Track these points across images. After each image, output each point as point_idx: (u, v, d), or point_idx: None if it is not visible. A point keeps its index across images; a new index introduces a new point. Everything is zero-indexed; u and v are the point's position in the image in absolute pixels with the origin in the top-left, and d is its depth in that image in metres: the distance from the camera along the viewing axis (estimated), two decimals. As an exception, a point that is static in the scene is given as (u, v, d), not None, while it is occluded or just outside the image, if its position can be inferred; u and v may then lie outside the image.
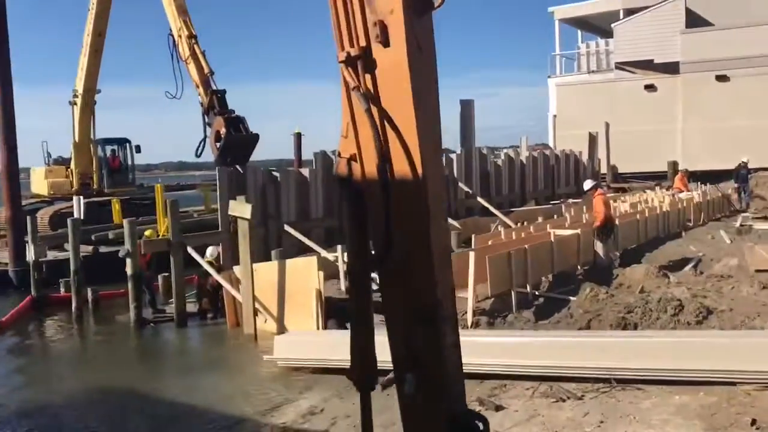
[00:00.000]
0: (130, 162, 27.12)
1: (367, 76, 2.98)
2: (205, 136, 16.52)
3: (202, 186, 30.12)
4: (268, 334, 13.04)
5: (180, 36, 17.01)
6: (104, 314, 16.23)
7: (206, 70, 16.61)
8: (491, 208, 21.50)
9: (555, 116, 37.47)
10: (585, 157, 31.38)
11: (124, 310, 16.84)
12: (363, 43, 2.94)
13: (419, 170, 3.00)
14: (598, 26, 41.53)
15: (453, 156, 22.66)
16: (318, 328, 12.24)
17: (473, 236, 14.84)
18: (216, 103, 16.15)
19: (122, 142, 27.18)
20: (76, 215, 19.00)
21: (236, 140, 15.78)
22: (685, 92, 32.39)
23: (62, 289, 17.57)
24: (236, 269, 14.22)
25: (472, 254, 11.73)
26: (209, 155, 16.52)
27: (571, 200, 25.05)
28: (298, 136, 42.66)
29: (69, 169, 26.58)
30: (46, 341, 14.70)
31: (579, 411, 7.05)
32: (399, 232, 3.02)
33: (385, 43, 2.90)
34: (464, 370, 3.31)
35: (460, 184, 22.27)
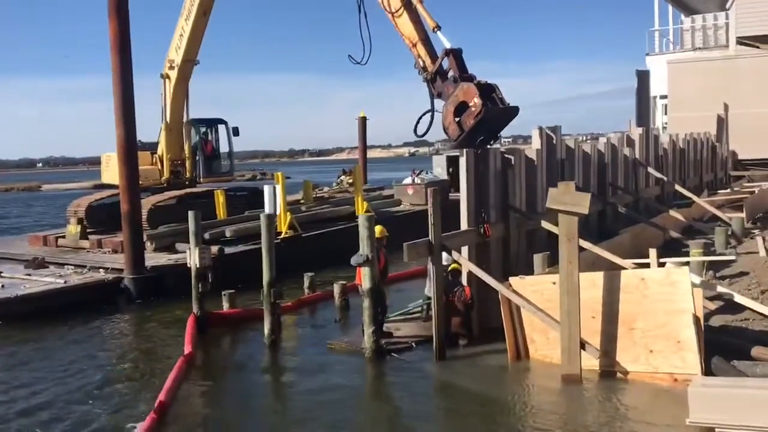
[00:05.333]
0: (227, 147, 23.23)
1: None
2: (433, 109, 12.70)
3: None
4: (586, 372, 9.53)
5: None
6: (299, 337, 12.53)
7: (432, 24, 12.80)
8: (697, 199, 18.09)
9: (655, 97, 34.10)
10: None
11: (314, 330, 13.29)
12: None
13: None
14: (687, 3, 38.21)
15: (635, 137, 19.17)
16: (701, 371, 8.72)
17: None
18: (454, 66, 12.37)
19: (216, 122, 23.30)
20: (267, 209, 14.94)
21: (495, 114, 12.05)
22: (818, 70, 29.21)
23: (225, 304, 13.83)
24: (514, 281, 10.64)
25: None
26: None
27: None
28: (363, 120, 39.02)
29: (155, 155, 22.67)
30: (261, 387, 10.73)
31: None
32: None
33: None
34: None
35: (650, 169, 18.81)
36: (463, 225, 11.73)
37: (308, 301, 15.03)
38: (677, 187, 18.83)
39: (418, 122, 12.92)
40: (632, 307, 9.36)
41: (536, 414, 8.74)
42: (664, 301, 9.08)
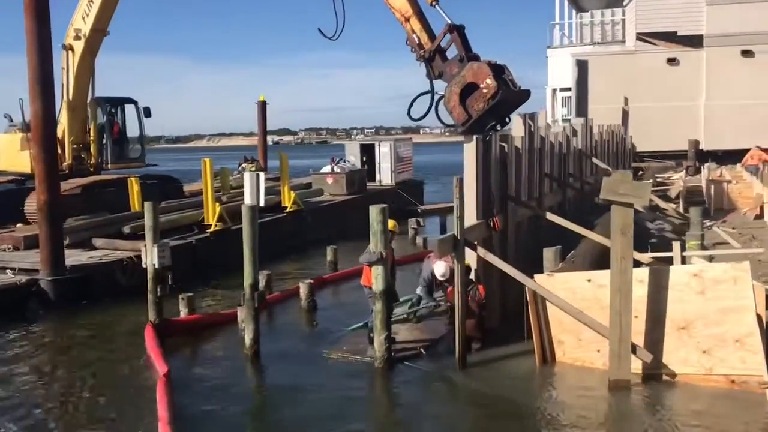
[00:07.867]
0: (138, 130, 20.75)
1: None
2: (433, 91, 11.39)
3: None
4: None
5: None
6: (279, 346, 10.98)
7: (428, -2, 11.49)
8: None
9: (555, 90, 34.77)
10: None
11: (290, 337, 11.82)
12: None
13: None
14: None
15: (578, 126, 18.98)
16: (765, 374, 8.26)
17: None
18: (459, 44, 11.16)
19: (123, 102, 20.76)
20: (249, 200, 12.81)
21: (509, 97, 10.96)
22: (709, 67, 30.81)
23: (183, 310, 12.01)
24: (541, 279, 9.76)
25: None
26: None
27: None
28: (263, 105, 36.82)
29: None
30: (267, 410, 9.12)
31: None
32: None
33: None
34: None
35: (595, 160, 18.71)
36: (470, 218, 10.70)
37: (269, 303, 13.43)
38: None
39: (411, 104, 11.66)
40: (682, 305, 8.76)
41: (595, 426, 7.94)
42: (721, 299, 8.55)
